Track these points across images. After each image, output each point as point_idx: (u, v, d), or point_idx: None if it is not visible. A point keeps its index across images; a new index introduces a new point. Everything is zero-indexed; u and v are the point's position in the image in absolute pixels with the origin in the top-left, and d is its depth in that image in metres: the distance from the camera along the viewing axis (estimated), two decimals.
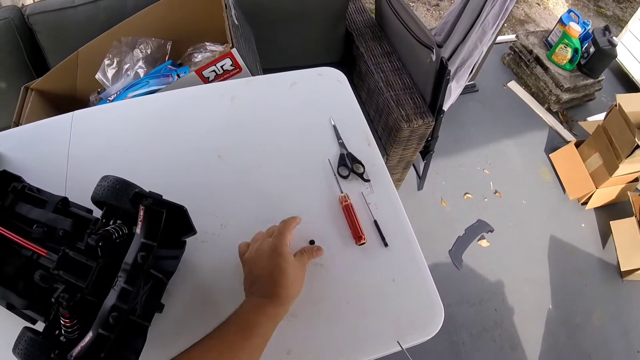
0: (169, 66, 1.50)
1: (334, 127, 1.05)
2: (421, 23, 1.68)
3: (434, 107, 1.75)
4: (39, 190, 0.92)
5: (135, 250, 0.68)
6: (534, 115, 2.95)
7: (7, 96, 1.90)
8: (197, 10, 1.56)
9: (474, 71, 2.65)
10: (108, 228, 0.76)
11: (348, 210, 0.92)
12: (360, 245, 0.88)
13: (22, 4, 1.89)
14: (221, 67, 1.23)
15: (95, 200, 0.81)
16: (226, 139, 1.04)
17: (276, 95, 1.12)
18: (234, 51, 1.19)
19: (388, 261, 0.87)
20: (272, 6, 1.73)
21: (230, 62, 1.22)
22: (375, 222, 0.91)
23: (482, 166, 2.63)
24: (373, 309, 0.82)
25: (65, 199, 0.88)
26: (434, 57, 1.62)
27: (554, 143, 2.80)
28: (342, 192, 0.95)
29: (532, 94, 3.06)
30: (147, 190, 0.75)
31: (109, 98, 1.54)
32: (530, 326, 2.09)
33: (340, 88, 1.14)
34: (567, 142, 2.75)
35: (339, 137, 1.04)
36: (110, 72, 1.58)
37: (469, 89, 2.97)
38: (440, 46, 1.60)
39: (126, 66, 1.56)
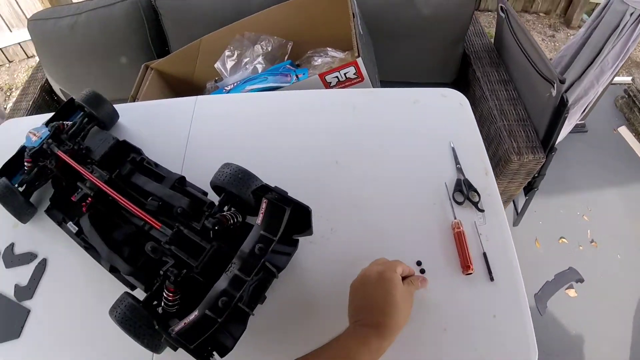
0: (287, 66, 1.60)
1: (453, 150, 1.09)
2: (544, 55, 1.68)
3: (547, 143, 1.74)
4: (156, 164, 1.04)
5: (254, 241, 0.72)
6: None
7: (127, 71, 2.09)
8: (322, 15, 1.66)
9: (586, 111, 2.61)
10: (225, 213, 0.83)
11: (459, 238, 0.93)
12: (466, 275, 0.90)
13: None
14: (344, 74, 1.31)
15: (215, 185, 0.89)
16: (345, 146, 1.10)
17: (397, 110, 1.17)
18: (359, 61, 1.27)
19: (492, 296, 0.88)
20: (394, 20, 1.80)
21: (354, 71, 1.30)
22: (484, 254, 0.92)
23: (582, 212, 2.57)
24: (469, 342, 0.83)
25: (182, 178, 0.99)
26: (554, 92, 1.62)
27: None
28: (455, 218, 0.97)
29: None
30: (273, 185, 0.81)
31: (226, 88, 1.66)
32: None
33: (461, 112, 1.17)
34: None
35: (457, 162, 1.07)
36: (229, 63, 1.71)
37: (578, 129, 2.90)
38: (562, 82, 1.59)
39: (246, 60, 1.68)
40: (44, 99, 2.31)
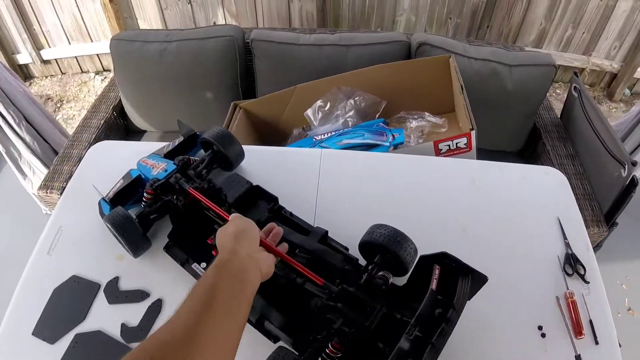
0: (380, 124, 1.74)
1: (561, 226, 1.22)
2: (616, 136, 1.84)
3: (610, 218, 1.89)
4: (291, 214, 1.10)
5: (430, 304, 0.76)
6: None
7: (208, 107, 2.24)
8: (420, 79, 1.81)
9: None
10: (383, 273, 0.90)
11: (574, 306, 1.07)
12: (579, 339, 1.02)
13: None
14: (456, 143, 1.45)
15: (367, 244, 0.95)
16: (467, 215, 1.22)
17: (509, 184, 1.30)
18: (473, 133, 1.41)
19: (596, 357, 1.01)
20: (478, 91, 1.92)
21: (465, 141, 1.44)
22: (590, 321, 1.05)
23: (621, 280, 2.69)
24: None
25: (326, 233, 1.04)
26: (624, 173, 1.77)
27: None
28: (568, 289, 1.11)
29: None
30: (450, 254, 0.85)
31: (316, 137, 1.80)
32: None
33: (562, 190, 1.30)
34: None
35: (565, 237, 1.20)
36: (320, 114, 1.85)
37: None
38: (634, 164, 1.75)
39: (337, 112, 1.83)
40: (115, 119, 2.42)
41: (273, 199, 1.12)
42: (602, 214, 1.90)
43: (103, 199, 1.13)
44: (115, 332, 0.98)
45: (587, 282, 1.13)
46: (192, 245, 1.04)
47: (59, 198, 1.89)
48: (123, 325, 0.98)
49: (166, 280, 1.05)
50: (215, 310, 0.63)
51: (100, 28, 3.42)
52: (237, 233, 0.80)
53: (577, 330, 1.03)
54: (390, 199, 1.25)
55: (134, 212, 1.06)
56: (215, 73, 2.16)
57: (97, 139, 2.19)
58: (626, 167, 1.76)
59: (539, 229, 1.22)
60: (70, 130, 2.71)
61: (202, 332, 0.58)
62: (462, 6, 3.12)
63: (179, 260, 1.04)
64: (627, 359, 2.28)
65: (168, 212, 1.10)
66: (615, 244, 2.85)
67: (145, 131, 2.50)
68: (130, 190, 1.14)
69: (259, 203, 1.11)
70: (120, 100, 2.42)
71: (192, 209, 1.05)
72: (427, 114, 1.76)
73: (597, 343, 1.02)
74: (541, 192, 1.30)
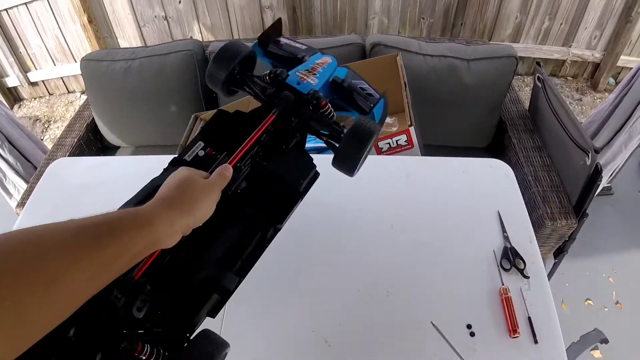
0: None
1: (500, 219, 1.18)
2: (579, 125, 1.79)
3: (579, 208, 1.83)
4: None
5: None
6: None
7: (175, 119, 2.23)
8: (370, 81, 1.77)
9: (613, 175, 2.70)
10: None
11: (508, 303, 1.02)
12: (513, 338, 0.97)
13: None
14: (396, 141, 1.42)
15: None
16: (398, 211, 1.19)
17: (447, 179, 1.27)
18: (412, 130, 1.38)
19: (535, 358, 0.95)
20: (437, 87, 1.92)
21: (405, 139, 1.41)
22: (529, 318, 1.00)
23: (607, 274, 2.62)
24: None
25: None
26: (588, 161, 1.72)
27: None
28: (503, 285, 1.06)
29: None
30: None
31: None
32: None
33: (507, 182, 1.27)
34: None
35: (504, 230, 1.16)
36: None
37: (604, 192, 2.99)
38: (597, 151, 1.69)
39: None
40: (88, 137, 2.42)
41: None
42: (571, 205, 1.85)
43: None
44: None
45: (527, 277, 1.08)
46: None
47: None
48: None
49: None
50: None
51: (82, 48, 3.46)
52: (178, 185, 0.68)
53: (512, 328, 0.98)
54: (320, 199, 1.21)
55: None
56: (178, 87, 2.18)
57: (71, 156, 2.19)
58: (590, 154, 1.71)
59: (476, 223, 1.18)
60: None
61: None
62: (434, 5, 3.09)
63: None
64: (617, 354, 2.27)
65: None
66: (599, 237, 2.80)
67: (118, 147, 2.52)
68: None
69: None
70: (93, 118, 2.44)
71: None
72: None
73: (536, 342, 0.97)
74: (482, 186, 1.26)
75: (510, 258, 1.11)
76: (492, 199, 1.22)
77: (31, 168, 2.48)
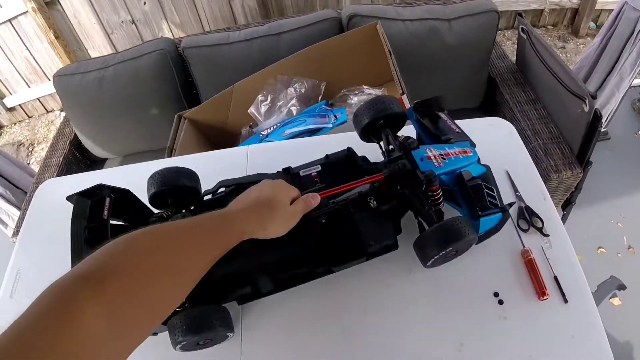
0: (323, 106, 1.65)
1: (510, 179, 1.11)
2: (572, 72, 1.73)
3: (582, 157, 1.78)
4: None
5: None
6: None
7: (158, 122, 2.16)
8: (353, 54, 1.71)
9: (608, 119, 2.65)
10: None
11: (532, 265, 0.95)
12: (542, 300, 0.91)
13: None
14: None
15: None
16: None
17: None
18: (404, 98, 1.31)
19: (568, 318, 0.89)
20: (419, 52, 1.84)
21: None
22: (555, 278, 0.94)
23: (616, 219, 2.59)
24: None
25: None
26: (586, 108, 1.66)
27: None
28: (524, 246, 0.99)
29: None
30: None
31: (263, 132, 1.71)
32: None
33: (511, 140, 1.19)
34: None
35: (516, 190, 1.09)
36: (263, 108, 1.76)
37: (601, 137, 2.94)
38: (594, 97, 1.63)
39: (279, 103, 1.73)
40: (74, 154, 2.36)
41: None
42: (574, 155, 1.80)
43: None
44: None
45: (547, 235, 1.01)
46: None
47: None
48: None
49: None
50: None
51: (54, 65, 3.34)
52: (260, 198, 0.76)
53: (540, 291, 0.91)
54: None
55: None
56: (155, 89, 2.09)
57: (59, 176, 2.13)
58: (587, 101, 1.65)
59: None
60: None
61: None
62: None
63: None
64: (636, 299, 2.23)
65: None
66: (602, 183, 2.75)
67: (105, 159, 2.45)
68: None
69: None
70: (75, 134, 2.37)
71: None
72: (365, 87, 1.66)
73: (566, 301, 0.90)
74: (487, 146, 1.17)
75: (527, 218, 1.04)
76: (498, 159, 1.14)
77: (21, 194, 2.44)
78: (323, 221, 0.85)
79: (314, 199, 0.81)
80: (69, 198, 0.86)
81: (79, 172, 2.22)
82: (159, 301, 0.55)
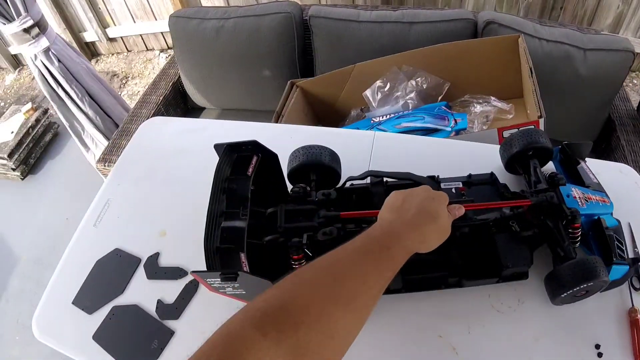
0: (443, 107, 1.63)
1: (631, 232, 1.03)
2: None
3: None
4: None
5: None
6: None
7: (266, 85, 2.19)
8: (487, 61, 1.68)
9: None
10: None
11: (637, 326, 0.90)
12: None
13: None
14: None
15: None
16: None
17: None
18: (542, 121, 1.28)
19: None
20: (548, 76, 1.76)
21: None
22: None
23: None
24: None
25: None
26: None
27: None
28: (633, 305, 0.93)
29: None
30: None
31: (375, 119, 1.71)
32: None
33: (637, 191, 1.12)
34: None
35: (635, 246, 1.02)
36: (379, 94, 1.76)
37: None
38: None
39: (397, 94, 1.73)
40: (174, 96, 2.42)
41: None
42: None
43: None
44: (150, 308, 0.96)
45: None
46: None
47: None
48: (159, 302, 0.97)
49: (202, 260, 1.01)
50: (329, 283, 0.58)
51: (164, 6, 3.42)
52: (405, 199, 0.75)
53: (637, 355, 0.87)
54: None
55: None
56: (272, 51, 2.10)
57: (156, 115, 2.19)
58: None
59: None
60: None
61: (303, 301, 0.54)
62: None
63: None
64: None
65: None
66: None
67: (204, 108, 2.50)
68: None
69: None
70: (179, 77, 2.42)
71: None
72: (493, 98, 1.63)
73: None
74: (612, 193, 1.13)
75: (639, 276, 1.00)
76: (622, 209, 1.08)
77: (111, 124, 2.50)
78: (465, 231, 0.87)
79: (458, 210, 0.80)
80: (216, 146, 0.86)
81: (175, 116, 2.31)
82: (338, 333, 0.54)
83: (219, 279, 0.72)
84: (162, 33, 3.70)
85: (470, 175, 1.01)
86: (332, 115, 1.95)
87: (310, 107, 1.94)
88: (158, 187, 1.17)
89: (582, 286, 0.81)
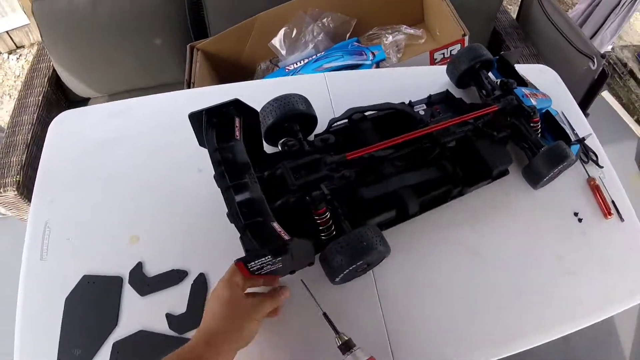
0: (355, 43, 1.64)
1: (567, 120, 1.19)
2: (581, 32, 1.84)
3: (583, 110, 1.91)
4: None
5: None
6: (624, 126, 3.14)
7: (161, 54, 2.01)
8: None
9: None
10: None
11: (598, 190, 1.09)
12: (608, 219, 1.06)
13: None
14: (450, 51, 1.39)
15: None
16: None
17: None
18: (467, 38, 1.34)
19: (627, 233, 1.05)
20: None
21: (459, 48, 1.38)
22: (613, 202, 1.09)
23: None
24: (629, 271, 1.00)
25: None
26: (593, 66, 1.77)
27: None
28: (589, 175, 1.11)
29: (623, 105, 3.25)
30: None
31: (288, 67, 1.68)
32: None
33: (558, 87, 1.28)
34: None
35: (573, 129, 1.18)
36: (287, 42, 1.72)
37: None
38: (603, 57, 1.75)
39: (306, 38, 1.70)
40: (54, 91, 2.14)
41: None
42: None
43: None
44: (161, 327, 0.83)
45: (601, 167, 1.15)
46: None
47: (16, 194, 1.66)
48: (168, 316, 0.84)
49: (202, 250, 0.90)
50: None
51: (6, 2, 2.98)
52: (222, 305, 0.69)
53: (607, 211, 1.07)
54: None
55: None
56: (160, 14, 1.91)
57: (40, 118, 1.93)
58: (595, 60, 1.76)
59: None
60: None
61: None
62: None
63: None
64: None
65: None
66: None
67: (89, 99, 2.23)
68: None
69: None
70: (54, 69, 2.12)
71: None
72: (404, 26, 1.67)
73: (622, 220, 1.07)
74: (545, 89, 1.24)
75: (585, 152, 1.15)
76: (555, 102, 1.21)
77: None
78: (453, 145, 0.96)
79: (283, 294, 0.78)
80: (191, 115, 0.75)
81: (57, 113, 2.06)
82: None
83: (267, 258, 0.66)
84: (7, 32, 3.16)
85: (430, 96, 1.09)
86: (238, 73, 1.87)
87: (214, 69, 1.84)
88: (102, 188, 0.99)
89: (558, 167, 0.96)
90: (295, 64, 1.66)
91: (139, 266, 0.88)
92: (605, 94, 3.29)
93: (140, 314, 0.84)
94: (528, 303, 0.93)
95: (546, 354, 1.92)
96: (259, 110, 0.86)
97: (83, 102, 2.25)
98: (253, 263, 0.66)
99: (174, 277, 0.86)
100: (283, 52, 1.72)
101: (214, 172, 0.73)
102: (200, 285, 0.86)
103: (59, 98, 2.20)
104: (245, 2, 1.84)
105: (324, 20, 1.70)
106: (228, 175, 0.71)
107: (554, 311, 0.93)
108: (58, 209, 0.96)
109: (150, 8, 1.90)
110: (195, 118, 0.75)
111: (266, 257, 0.66)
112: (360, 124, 0.98)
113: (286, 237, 0.65)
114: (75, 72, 2.10)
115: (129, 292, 0.86)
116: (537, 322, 0.91)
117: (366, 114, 0.99)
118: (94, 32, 1.96)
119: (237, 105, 0.78)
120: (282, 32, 1.72)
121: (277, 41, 1.73)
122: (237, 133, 0.77)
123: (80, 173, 1.01)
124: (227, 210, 0.71)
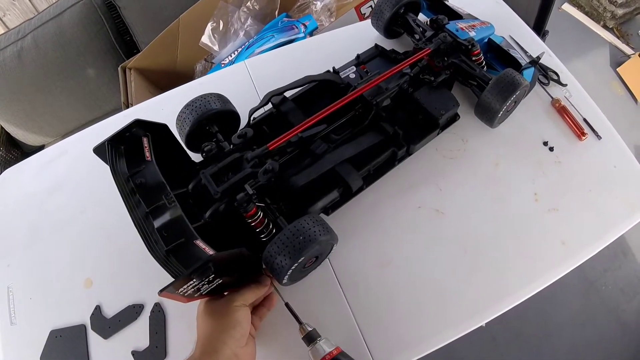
0: (285, 19, 1.53)
1: (517, 43, 1.09)
2: None
3: (539, 29, 1.80)
4: None
5: None
6: (593, 34, 3.03)
7: (97, 83, 1.92)
8: None
9: None
10: None
11: (565, 111, 0.99)
12: (583, 140, 0.96)
13: None
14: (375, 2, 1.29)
15: None
16: None
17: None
18: None
19: (605, 151, 0.96)
20: None
21: None
22: (585, 119, 0.99)
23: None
24: (613, 192, 0.91)
25: None
26: None
27: (618, 58, 2.89)
28: (552, 97, 1.01)
29: (587, 14, 3.13)
30: None
31: (224, 61, 1.57)
32: None
33: (500, 8, 1.17)
34: (629, 56, 2.84)
35: (525, 52, 1.07)
36: (217, 36, 1.61)
37: None
38: None
39: (235, 27, 1.59)
40: (6, 147, 2.07)
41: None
42: (530, 27, 1.81)
43: None
44: None
45: (565, 85, 1.05)
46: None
47: None
48: (135, 353, 0.81)
49: (155, 280, 0.83)
50: None
51: None
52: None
53: (580, 132, 0.97)
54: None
55: None
56: (86, 45, 1.83)
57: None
58: None
59: None
60: None
61: None
62: None
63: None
64: None
65: None
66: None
67: (42, 146, 2.15)
68: None
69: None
70: (2, 127, 2.05)
71: None
72: None
73: (599, 138, 0.97)
74: (482, 17, 1.13)
75: (544, 73, 1.05)
76: (499, 28, 1.10)
77: None
78: (388, 104, 0.87)
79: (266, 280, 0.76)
80: (95, 149, 0.70)
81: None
82: None
83: (194, 281, 0.59)
84: None
85: (358, 56, 1.00)
86: (177, 81, 1.76)
87: (151, 84, 1.74)
88: (52, 240, 0.96)
89: (512, 97, 0.85)
90: (229, 57, 1.56)
91: (98, 309, 0.86)
92: (566, 6, 3.16)
93: (108, 357, 0.83)
94: (511, 255, 0.84)
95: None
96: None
97: (37, 150, 2.14)
98: (187, 286, 0.59)
99: (131, 313, 0.84)
100: (215, 48, 1.61)
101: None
102: (158, 315, 0.83)
103: (16, 154, 2.13)
104: (166, 9, 1.74)
105: (248, 4, 1.59)
106: (144, 201, 0.66)
107: (544, 254, 0.85)
108: (16, 271, 0.94)
109: (73, 42, 1.82)
110: (101, 152, 0.70)
111: (192, 280, 0.59)
112: (282, 107, 0.88)
113: (210, 253, 0.59)
114: (20, 124, 2.03)
115: (94, 338, 0.84)
116: (527, 273, 0.83)
117: (286, 94, 0.89)
118: (26, 81, 1.89)
119: (140, 125, 0.72)
120: (208, 27, 1.61)
121: (206, 38, 1.62)
122: (147, 154, 0.71)
123: (29, 230, 0.97)
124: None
